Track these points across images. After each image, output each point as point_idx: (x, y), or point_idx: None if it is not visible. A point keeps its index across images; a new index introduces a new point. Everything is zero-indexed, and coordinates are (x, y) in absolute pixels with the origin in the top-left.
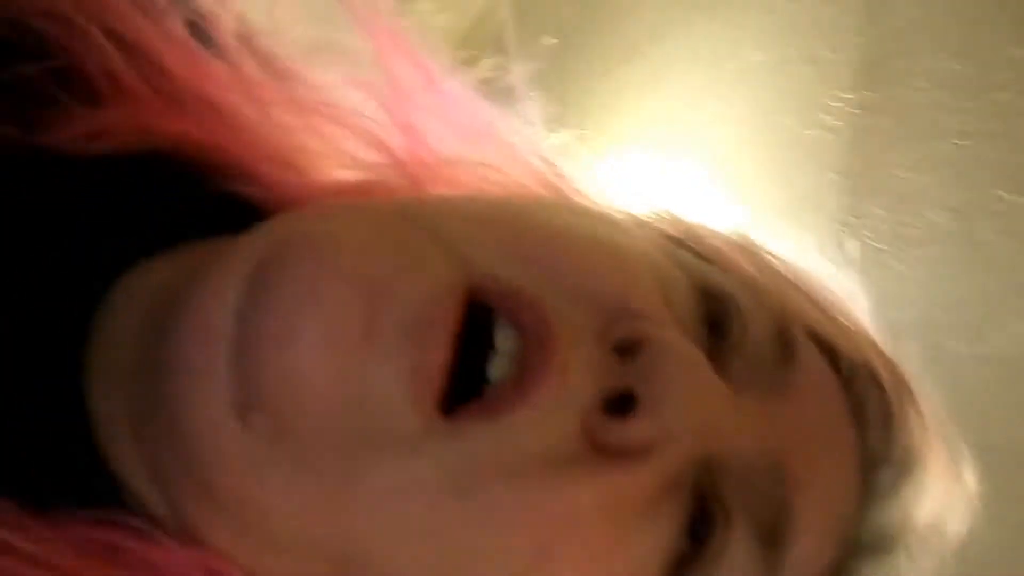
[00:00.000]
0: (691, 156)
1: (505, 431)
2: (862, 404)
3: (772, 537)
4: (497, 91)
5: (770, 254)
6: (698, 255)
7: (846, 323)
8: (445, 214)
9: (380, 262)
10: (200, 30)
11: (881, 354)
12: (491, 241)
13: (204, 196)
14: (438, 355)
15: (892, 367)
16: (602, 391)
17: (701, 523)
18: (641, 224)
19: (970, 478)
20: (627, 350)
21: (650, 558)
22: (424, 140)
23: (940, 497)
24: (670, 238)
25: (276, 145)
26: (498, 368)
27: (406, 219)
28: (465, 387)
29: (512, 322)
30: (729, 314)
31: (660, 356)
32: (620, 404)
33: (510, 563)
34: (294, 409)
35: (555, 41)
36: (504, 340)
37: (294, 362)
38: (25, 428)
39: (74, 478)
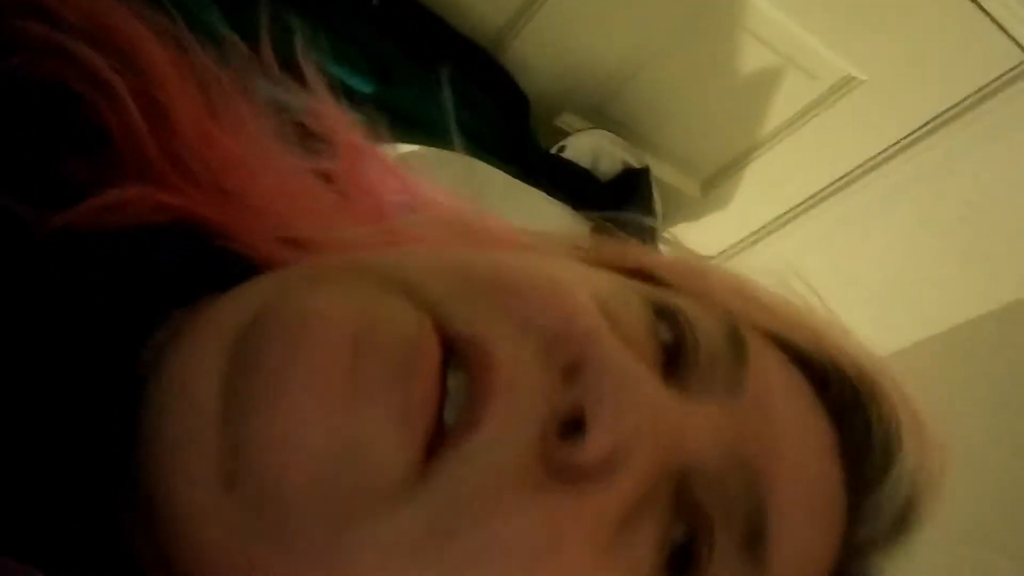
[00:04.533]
0: None
1: (467, 459)
2: (835, 400)
3: (754, 538)
4: None
5: (715, 270)
6: (642, 279)
7: (802, 322)
8: (404, 267)
9: (357, 315)
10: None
11: (842, 347)
12: (443, 287)
13: (199, 251)
14: (428, 387)
15: (856, 359)
16: (553, 412)
17: (685, 536)
18: (581, 256)
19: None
20: (572, 371)
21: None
22: (381, 206)
23: (921, 468)
24: (614, 267)
25: (274, 211)
26: (453, 410)
27: (372, 275)
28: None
29: (462, 364)
30: (679, 324)
31: (603, 371)
32: (573, 428)
33: None
34: (279, 474)
35: None
36: (455, 382)
37: (283, 422)
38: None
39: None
